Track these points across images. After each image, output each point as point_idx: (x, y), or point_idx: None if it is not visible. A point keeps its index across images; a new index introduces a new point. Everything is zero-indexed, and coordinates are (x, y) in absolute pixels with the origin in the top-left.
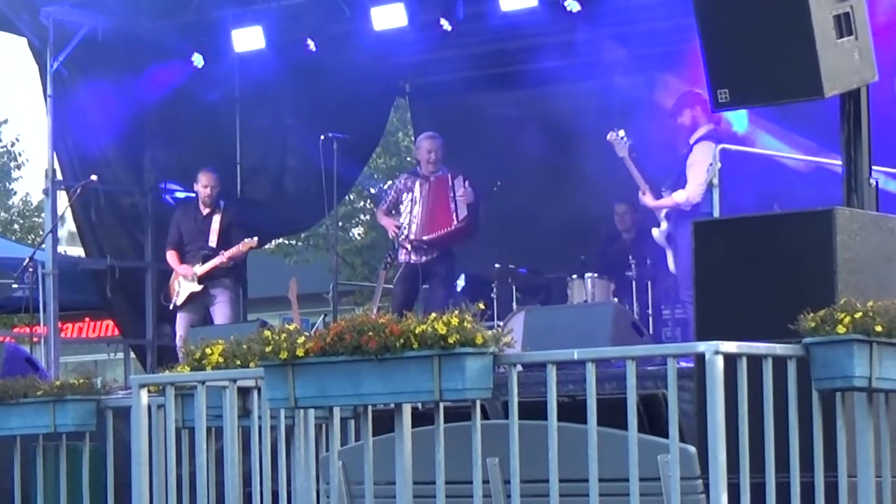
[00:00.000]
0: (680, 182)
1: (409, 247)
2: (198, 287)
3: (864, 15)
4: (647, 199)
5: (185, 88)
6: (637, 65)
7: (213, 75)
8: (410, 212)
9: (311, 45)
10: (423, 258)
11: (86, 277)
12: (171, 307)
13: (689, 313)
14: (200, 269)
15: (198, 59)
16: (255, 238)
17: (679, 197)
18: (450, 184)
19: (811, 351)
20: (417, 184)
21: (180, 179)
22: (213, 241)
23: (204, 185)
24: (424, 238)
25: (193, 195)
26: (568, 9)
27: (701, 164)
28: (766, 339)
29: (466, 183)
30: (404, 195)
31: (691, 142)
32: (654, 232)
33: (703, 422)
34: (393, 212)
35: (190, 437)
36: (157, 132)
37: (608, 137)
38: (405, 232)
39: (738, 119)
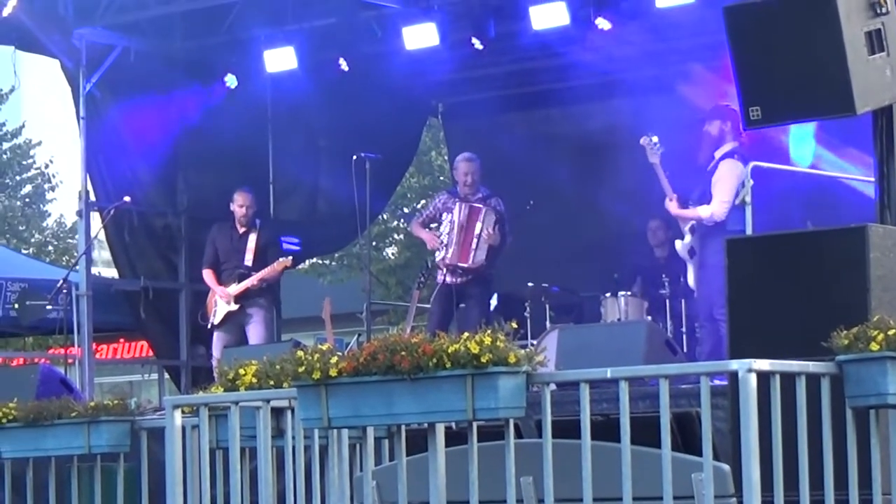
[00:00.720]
0: (705, 197)
1: (444, 269)
2: (234, 307)
3: None
4: (672, 207)
5: (218, 109)
6: (668, 82)
7: (246, 96)
8: (449, 233)
9: (344, 64)
10: (459, 280)
11: (120, 298)
12: (208, 326)
13: (709, 331)
14: (236, 288)
15: (231, 80)
16: (290, 258)
17: (703, 212)
18: (480, 217)
19: (844, 368)
20: (457, 206)
21: (213, 200)
22: (248, 260)
23: (240, 204)
24: (460, 265)
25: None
26: (599, 27)
27: (726, 182)
28: (800, 357)
29: (496, 224)
30: (444, 215)
31: (717, 156)
32: (678, 244)
33: (737, 440)
34: (431, 226)
35: (224, 458)
36: (189, 153)
37: (641, 142)
38: (443, 253)
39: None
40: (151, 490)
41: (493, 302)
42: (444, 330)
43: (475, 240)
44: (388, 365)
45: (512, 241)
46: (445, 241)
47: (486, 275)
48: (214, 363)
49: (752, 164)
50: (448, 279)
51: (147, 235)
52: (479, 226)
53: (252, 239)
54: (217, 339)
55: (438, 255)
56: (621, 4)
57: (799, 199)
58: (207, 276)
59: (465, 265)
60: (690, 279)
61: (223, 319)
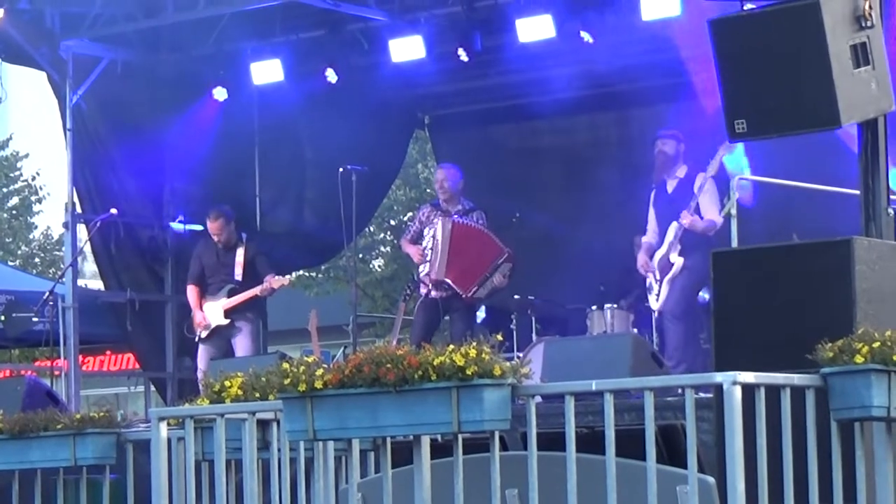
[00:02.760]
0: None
1: (429, 283)
2: (224, 321)
3: (882, 45)
4: (688, 220)
5: (205, 121)
6: (654, 95)
7: (233, 108)
8: (432, 249)
9: (330, 76)
10: (445, 294)
11: (106, 311)
12: (196, 339)
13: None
14: (227, 303)
15: (220, 93)
16: (287, 277)
17: (717, 218)
18: (496, 258)
19: (829, 381)
20: (439, 222)
21: (199, 212)
22: (238, 274)
23: (212, 232)
24: (444, 280)
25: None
26: (585, 40)
27: (715, 193)
28: (785, 369)
29: (511, 270)
30: (426, 229)
31: (680, 174)
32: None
33: (722, 452)
34: (419, 241)
35: (210, 470)
36: (176, 165)
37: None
38: (426, 269)
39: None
40: (137, 502)
41: (481, 314)
42: (428, 341)
43: (486, 278)
44: (374, 377)
45: None
46: (429, 257)
47: None
48: (200, 375)
49: (737, 177)
50: (433, 293)
51: (133, 247)
52: (493, 265)
53: (240, 253)
54: (203, 352)
55: (423, 270)
56: (607, 17)
57: (783, 211)
58: (191, 292)
59: (462, 291)
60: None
61: (211, 332)
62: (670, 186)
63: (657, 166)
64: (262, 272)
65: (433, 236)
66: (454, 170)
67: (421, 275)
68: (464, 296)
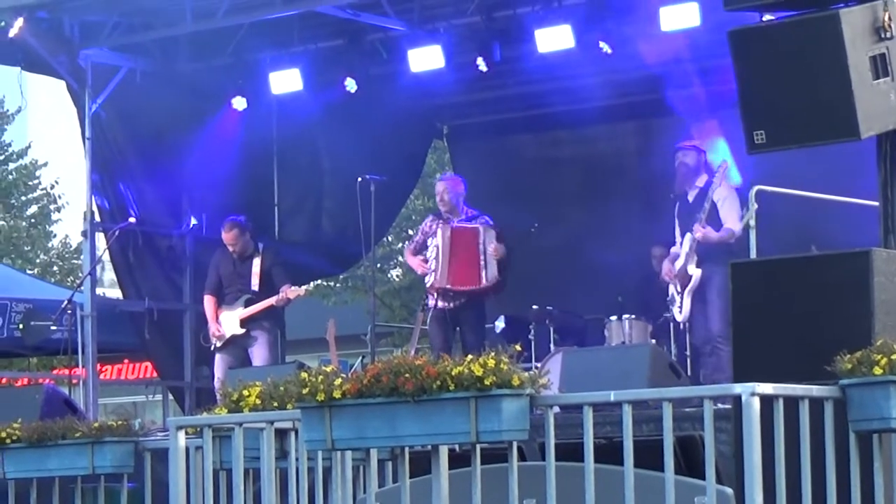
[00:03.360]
0: (713, 217)
1: (435, 294)
2: (240, 330)
3: None
4: (702, 232)
5: (223, 130)
6: (674, 105)
7: (251, 117)
8: (436, 258)
9: (349, 86)
10: (452, 304)
11: (124, 319)
12: (212, 348)
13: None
14: (243, 312)
15: (239, 103)
16: (304, 288)
17: (736, 227)
18: (480, 238)
19: (848, 392)
20: (440, 230)
21: (218, 221)
22: (255, 283)
23: (227, 242)
24: (449, 287)
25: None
26: (603, 51)
27: (735, 200)
28: (803, 381)
29: (496, 237)
30: (430, 239)
31: (699, 184)
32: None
33: (740, 463)
34: (423, 252)
35: (227, 479)
36: (195, 174)
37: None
38: (431, 279)
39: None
40: None
41: (501, 324)
42: (447, 351)
43: (482, 258)
44: (392, 387)
45: (516, 261)
46: (433, 267)
47: (478, 299)
48: (216, 384)
49: (756, 187)
50: (440, 304)
51: (152, 256)
52: (481, 245)
53: (256, 263)
54: (219, 361)
55: (428, 281)
56: (627, 28)
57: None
58: (208, 302)
59: (475, 287)
60: (679, 310)
61: (227, 342)
62: (691, 196)
63: (679, 178)
64: (278, 282)
65: (436, 245)
66: (454, 181)
67: (427, 286)
68: (480, 289)
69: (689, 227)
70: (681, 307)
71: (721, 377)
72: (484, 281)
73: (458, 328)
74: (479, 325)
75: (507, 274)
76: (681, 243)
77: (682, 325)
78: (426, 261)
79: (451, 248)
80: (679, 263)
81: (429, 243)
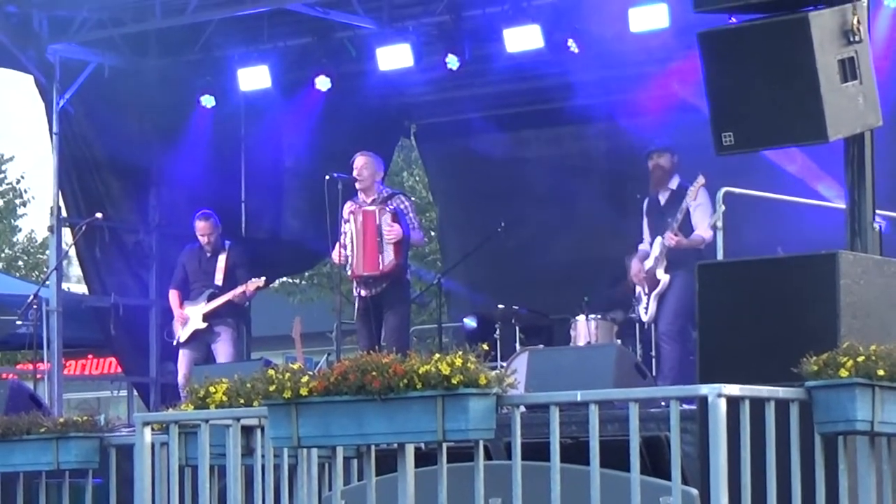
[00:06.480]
0: (685, 224)
1: (356, 282)
2: (202, 325)
3: (869, 60)
4: (673, 240)
5: (192, 126)
6: (641, 107)
7: (220, 113)
8: (351, 244)
9: (322, 84)
10: (373, 290)
11: (89, 314)
12: (174, 343)
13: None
14: (206, 307)
15: (207, 100)
16: (263, 278)
17: (707, 234)
18: (377, 221)
19: (814, 394)
20: (352, 216)
21: (185, 218)
22: (219, 279)
23: (201, 233)
24: (366, 274)
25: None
26: (571, 50)
27: (708, 206)
28: (769, 382)
29: (391, 218)
30: (346, 225)
31: (673, 186)
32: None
33: (706, 464)
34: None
35: (193, 476)
36: (162, 170)
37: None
38: (350, 267)
39: None
40: None
41: (472, 323)
42: (375, 346)
43: (379, 243)
44: (359, 385)
45: (483, 260)
46: (350, 253)
47: (401, 280)
48: (180, 380)
49: (723, 189)
50: (363, 292)
51: (118, 252)
52: (379, 228)
53: (221, 260)
54: (183, 357)
55: (349, 270)
56: (595, 29)
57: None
58: (173, 297)
59: (377, 273)
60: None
61: (190, 337)
62: (662, 198)
63: (653, 180)
64: (241, 281)
65: (350, 231)
66: (376, 158)
67: (348, 274)
68: (383, 271)
69: (659, 227)
70: (647, 308)
71: (658, 377)
72: (381, 265)
73: (382, 313)
74: (402, 307)
75: (406, 254)
76: (650, 243)
77: (646, 326)
78: (342, 250)
79: (362, 233)
80: (648, 264)
81: (345, 230)
